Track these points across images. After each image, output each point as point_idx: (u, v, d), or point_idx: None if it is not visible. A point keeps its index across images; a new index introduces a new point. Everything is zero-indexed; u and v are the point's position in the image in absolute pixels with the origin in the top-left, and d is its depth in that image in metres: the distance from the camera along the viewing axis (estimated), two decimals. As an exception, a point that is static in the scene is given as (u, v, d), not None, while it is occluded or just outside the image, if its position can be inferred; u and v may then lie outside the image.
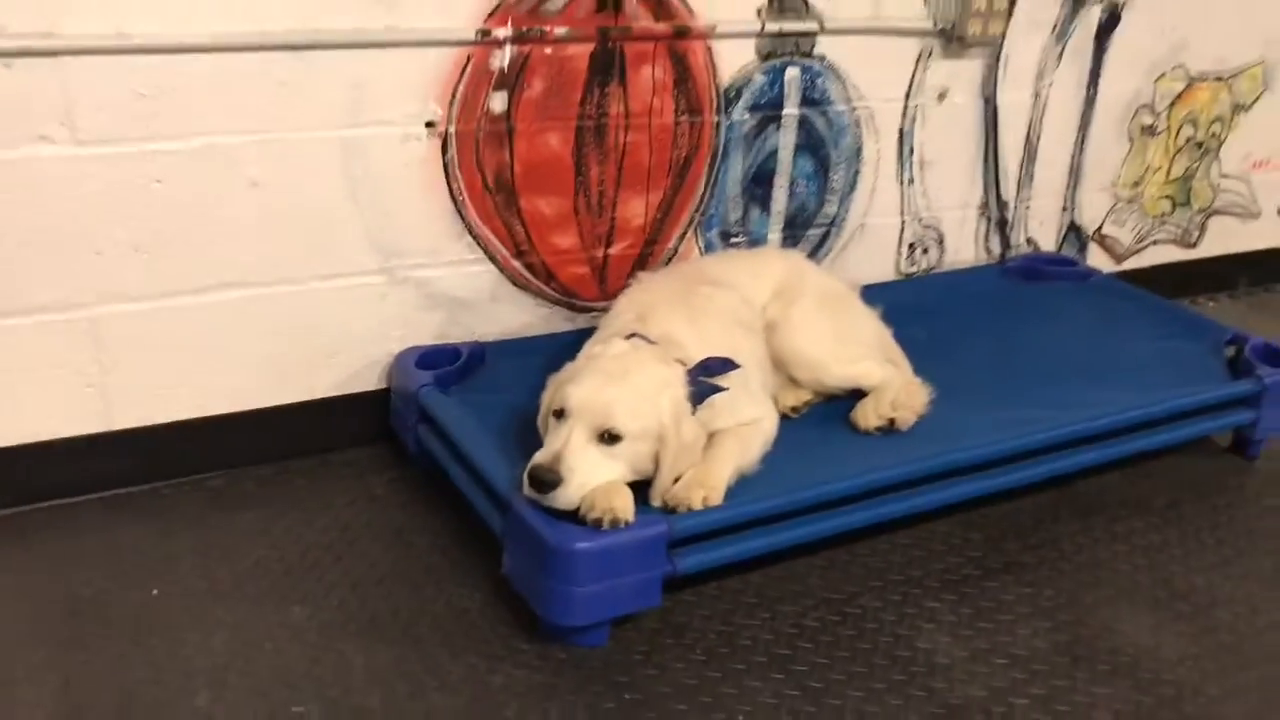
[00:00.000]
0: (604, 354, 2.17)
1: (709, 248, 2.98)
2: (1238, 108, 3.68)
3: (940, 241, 3.33)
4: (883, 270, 3.26)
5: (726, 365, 2.21)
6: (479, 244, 2.66)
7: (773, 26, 2.81)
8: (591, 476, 2.02)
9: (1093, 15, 3.28)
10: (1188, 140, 3.62)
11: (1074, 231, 3.56)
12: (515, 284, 2.75)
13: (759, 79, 2.87)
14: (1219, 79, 3.59)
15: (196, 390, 2.48)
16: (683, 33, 2.70)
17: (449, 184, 2.58)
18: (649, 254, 2.89)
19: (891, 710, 1.98)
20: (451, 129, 2.53)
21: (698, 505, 2.08)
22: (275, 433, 2.56)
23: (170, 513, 2.41)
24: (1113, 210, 3.60)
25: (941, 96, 3.14)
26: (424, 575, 2.25)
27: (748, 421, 2.29)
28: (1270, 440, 2.86)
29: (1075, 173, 3.47)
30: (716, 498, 2.11)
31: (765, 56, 2.85)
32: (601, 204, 2.77)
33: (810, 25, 2.85)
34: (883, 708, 1.98)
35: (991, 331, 3.03)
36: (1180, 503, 2.68)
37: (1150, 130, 3.53)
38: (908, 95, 3.09)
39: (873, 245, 3.23)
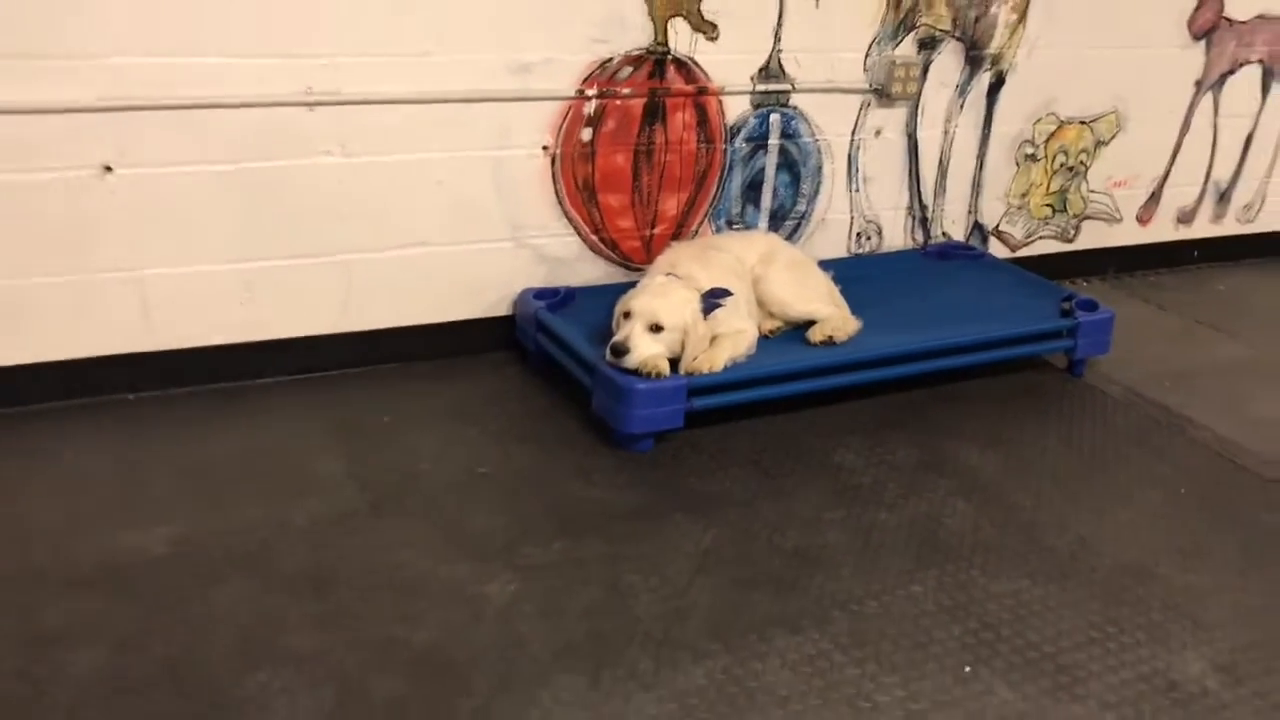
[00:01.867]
0: (652, 283, 3.63)
1: (719, 230, 4.39)
2: (1099, 143, 5.12)
3: (879, 232, 4.73)
4: (838, 250, 4.63)
5: (724, 293, 3.64)
6: (571, 224, 4.09)
7: (761, 87, 4.24)
8: (646, 350, 3.45)
9: (984, 80, 4.69)
10: (1061, 165, 5.05)
11: (978, 228, 4.98)
12: (593, 251, 4.16)
13: (752, 120, 4.28)
14: (1083, 122, 5.03)
15: (399, 308, 3.90)
16: (703, 91, 4.15)
17: (554, 185, 3.99)
18: (679, 234, 4.29)
19: (814, 486, 3.41)
20: (558, 151, 3.96)
21: (705, 371, 3.53)
22: (446, 338, 3.97)
23: (385, 383, 3.85)
24: (1006, 214, 5.01)
25: (878, 133, 4.52)
26: (542, 414, 3.71)
27: (739, 329, 3.70)
28: (1091, 363, 4.31)
29: (976, 186, 4.89)
30: (718, 368, 3.54)
31: (756, 106, 4.26)
32: (648, 200, 4.22)
33: (786, 86, 4.28)
34: (807, 484, 3.42)
35: (909, 291, 4.36)
36: (1018, 397, 4.10)
37: (1032, 158, 4.97)
38: (854, 132, 4.47)
39: (831, 233, 4.60)
